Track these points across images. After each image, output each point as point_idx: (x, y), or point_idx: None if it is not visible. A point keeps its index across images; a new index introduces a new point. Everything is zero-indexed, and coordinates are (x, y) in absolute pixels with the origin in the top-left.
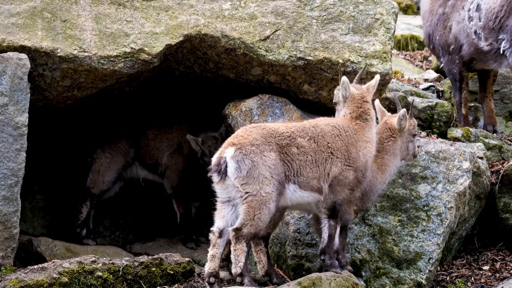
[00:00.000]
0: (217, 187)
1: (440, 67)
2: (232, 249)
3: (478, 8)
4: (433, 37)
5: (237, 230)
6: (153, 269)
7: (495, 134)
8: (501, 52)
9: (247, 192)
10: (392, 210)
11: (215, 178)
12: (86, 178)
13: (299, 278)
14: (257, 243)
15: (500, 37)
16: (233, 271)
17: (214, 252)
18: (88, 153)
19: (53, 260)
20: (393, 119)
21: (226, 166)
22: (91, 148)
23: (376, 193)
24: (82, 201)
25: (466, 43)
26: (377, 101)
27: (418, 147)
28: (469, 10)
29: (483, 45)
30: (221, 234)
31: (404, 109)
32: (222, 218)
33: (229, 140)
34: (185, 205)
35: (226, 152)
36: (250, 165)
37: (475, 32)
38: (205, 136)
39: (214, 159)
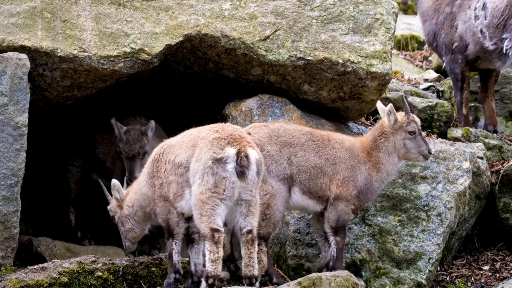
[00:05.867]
0: (229, 185)
1: (443, 67)
2: (249, 251)
3: (484, 7)
4: (438, 36)
5: (252, 232)
6: (153, 269)
7: (495, 134)
8: (503, 51)
9: (254, 196)
10: (392, 210)
11: (233, 177)
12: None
13: (299, 278)
14: (258, 243)
15: (504, 36)
16: (255, 273)
17: (221, 253)
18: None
19: (53, 260)
20: (387, 118)
21: (248, 169)
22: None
23: (374, 192)
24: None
25: (472, 42)
26: (378, 102)
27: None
28: (475, 9)
29: (488, 44)
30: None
31: (391, 104)
32: (218, 215)
33: (246, 139)
34: None
35: (250, 153)
36: (262, 170)
37: (481, 31)
38: (132, 127)
39: (232, 154)
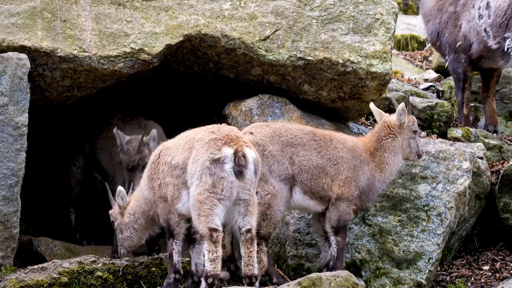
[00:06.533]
0: (227, 185)
1: (446, 66)
2: (248, 250)
3: (487, 6)
4: (442, 35)
5: (250, 231)
6: (153, 269)
7: (495, 134)
8: (505, 50)
9: (252, 195)
10: (392, 210)
11: (231, 177)
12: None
13: (299, 278)
14: (258, 243)
15: (506, 35)
16: (255, 272)
17: (220, 252)
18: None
19: (53, 260)
20: (391, 117)
21: (246, 168)
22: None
23: (375, 192)
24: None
25: (475, 41)
26: (371, 104)
27: None
28: (479, 8)
29: (492, 43)
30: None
31: (403, 103)
32: (216, 215)
33: (242, 139)
34: None
35: (248, 153)
36: (260, 169)
37: (485, 30)
38: (135, 138)
39: (229, 154)
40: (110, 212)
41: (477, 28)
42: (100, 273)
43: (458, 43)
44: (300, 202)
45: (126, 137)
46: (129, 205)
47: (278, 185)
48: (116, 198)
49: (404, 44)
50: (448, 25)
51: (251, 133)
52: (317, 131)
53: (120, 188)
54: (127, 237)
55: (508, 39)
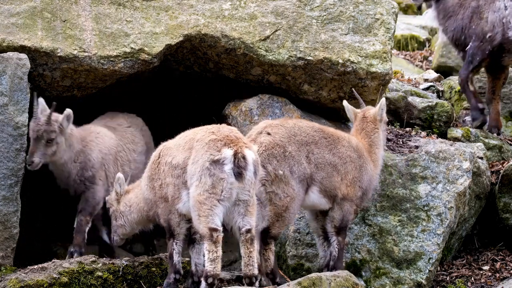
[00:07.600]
0: (227, 186)
1: (466, 48)
2: (248, 250)
3: None
4: (467, 28)
5: (250, 231)
6: (153, 269)
7: (495, 134)
8: None
9: (252, 196)
10: (392, 210)
11: (231, 178)
12: None
13: (299, 278)
14: (268, 242)
15: None
16: (255, 272)
17: (220, 252)
18: None
19: (53, 260)
20: (371, 111)
21: (246, 169)
22: None
23: (372, 191)
24: None
25: (500, 32)
26: (344, 101)
27: (417, 147)
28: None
29: (510, 34)
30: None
31: (384, 99)
32: (216, 215)
33: (242, 140)
34: None
35: (247, 154)
36: (259, 170)
37: (509, 21)
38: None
39: (229, 155)
40: (106, 198)
41: (503, 19)
42: (100, 273)
43: (488, 35)
44: (315, 201)
45: (47, 111)
46: (128, 195)
47: (297, 187)
48: (114, 184)
49: (404, 44)
50: (473, 19)
51: (268, 133)
52: (325, 128)
53: (119, 174)
54: (120, 225)
55: None
